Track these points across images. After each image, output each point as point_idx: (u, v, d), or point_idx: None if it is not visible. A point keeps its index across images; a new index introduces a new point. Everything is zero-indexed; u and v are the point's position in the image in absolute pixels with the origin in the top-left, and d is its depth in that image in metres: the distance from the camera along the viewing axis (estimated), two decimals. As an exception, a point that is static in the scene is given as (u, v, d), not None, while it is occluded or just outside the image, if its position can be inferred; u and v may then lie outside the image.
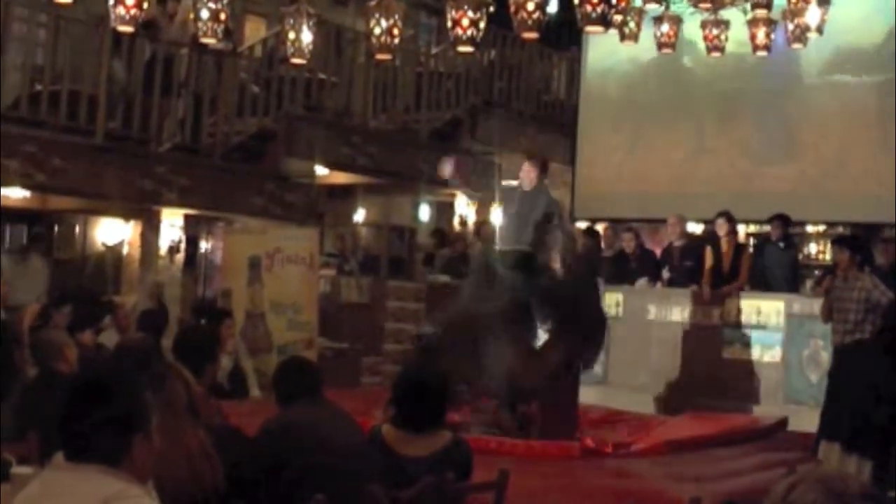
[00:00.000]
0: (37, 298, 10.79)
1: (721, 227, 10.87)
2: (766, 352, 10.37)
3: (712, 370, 10.35)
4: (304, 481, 3.95)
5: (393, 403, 4.57)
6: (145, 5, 6.93)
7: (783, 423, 9.00)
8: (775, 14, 8.51)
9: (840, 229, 12.61)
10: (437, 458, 4.41)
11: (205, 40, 7.74)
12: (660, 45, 8.72)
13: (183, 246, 12.19)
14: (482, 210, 14.62)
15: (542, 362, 8.00)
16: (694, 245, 11.47)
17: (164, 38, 11.68)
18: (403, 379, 4.68)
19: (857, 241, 9.60)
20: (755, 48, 8.47)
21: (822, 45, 10.49)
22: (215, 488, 3.59)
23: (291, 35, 8.08)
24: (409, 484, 4.17)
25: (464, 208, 14.63)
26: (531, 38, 6.70)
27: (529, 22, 6.30)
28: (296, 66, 9.91)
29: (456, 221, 14.72)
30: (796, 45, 8.45)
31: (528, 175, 8.32)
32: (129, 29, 7.24)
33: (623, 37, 8.62)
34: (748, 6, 8.33)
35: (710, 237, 11.47)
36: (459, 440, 4.60)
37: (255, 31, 14.24)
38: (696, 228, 12.91)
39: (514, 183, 8.93)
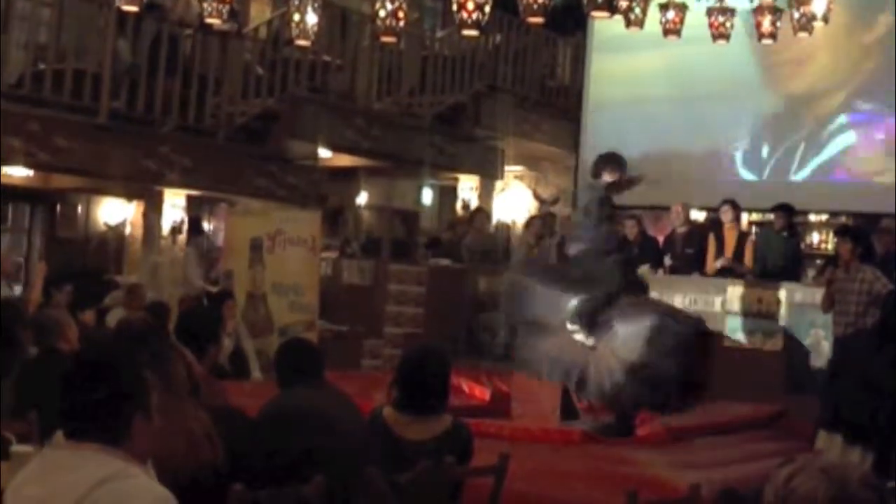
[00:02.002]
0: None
1: (726, 214, 10.85)
2: (767, 340, 10.36)
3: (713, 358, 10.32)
4: (304, 463, 3.95)
5: (396, 386, 4.56)
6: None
7: (783, 412, 9.00)
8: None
9: (843, 219, 12.59)
10: (437, 441, 4.41)
11: (210, 21, 7.72)
12: (665, 32, 8.68)
13: (185, 227, 12.18)
14: (485, 195, 14.60)
15: None
16: (697, 232, 11.45)
17: (169, 17, 11.64)
18: (407, 362, 4.67)
19: (860, 232, 9.57)
20: (760, 36, 8.42)
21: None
22: (215, 469, 3.58)
23: (296, 16, 8.04)
24: (410, 467, 4.17)
25: (467, 192, 14.60)
26: (536, 22, 6.67)
27: (535, 6, 6.27)
28: (300, 47, 9.89)
29: (459, 206, 14.68)
30: (802, 34, 8.39)
31: None
32: (133, 8, 7.22)
33: (629, 22, 8.56)
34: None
35: (712, 224, 11.44)
36: (460, 424, 4.60)
37: (260, 12, 14.19)
38: (698, 216, 12.88)
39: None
